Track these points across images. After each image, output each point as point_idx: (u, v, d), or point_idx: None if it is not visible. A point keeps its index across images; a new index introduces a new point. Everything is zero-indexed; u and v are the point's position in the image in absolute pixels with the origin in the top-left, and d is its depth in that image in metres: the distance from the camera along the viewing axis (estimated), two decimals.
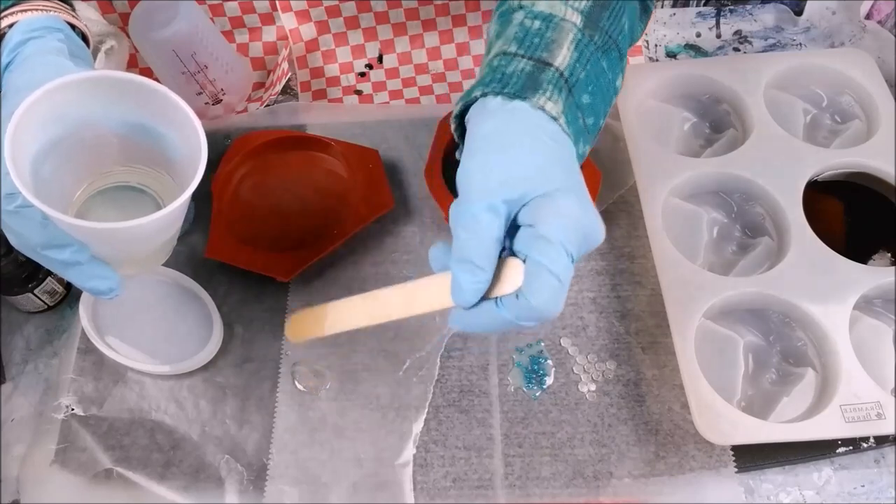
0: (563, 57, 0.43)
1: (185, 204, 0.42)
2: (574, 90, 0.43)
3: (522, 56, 0.43)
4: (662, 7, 0.76)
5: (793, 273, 0.56)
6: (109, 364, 0.59)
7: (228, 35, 0.75)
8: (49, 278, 0.61)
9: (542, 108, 0.41)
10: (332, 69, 0.75)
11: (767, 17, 0.77)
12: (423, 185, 0.65)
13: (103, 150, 0.46)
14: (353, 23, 0.74)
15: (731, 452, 0.53)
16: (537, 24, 0.44)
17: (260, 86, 0.76)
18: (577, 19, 0.44)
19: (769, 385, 0.54)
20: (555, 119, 0.41)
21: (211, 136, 0.71)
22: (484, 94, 0.42)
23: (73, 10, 0.50)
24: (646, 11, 0.50)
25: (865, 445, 0.52)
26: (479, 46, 0.75)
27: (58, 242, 0.42)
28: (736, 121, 0.66)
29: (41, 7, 0.47)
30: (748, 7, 0.77)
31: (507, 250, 0.40)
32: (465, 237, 0.38)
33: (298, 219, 0.66)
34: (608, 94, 0.45)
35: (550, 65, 0.42)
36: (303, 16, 0.73)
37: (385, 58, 0.76)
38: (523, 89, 0.42)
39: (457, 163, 0.42)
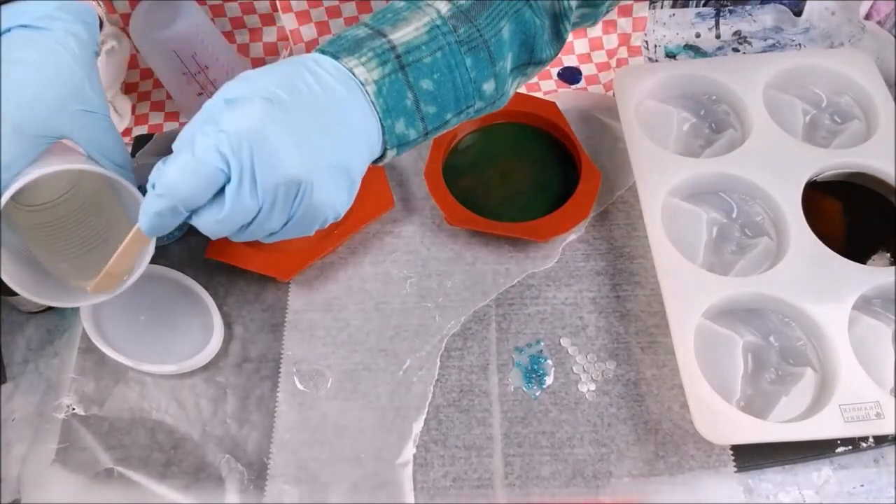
0: (404, 33, 0.43)
1: None
2: (409, 69, 0.43)
3: (367, 25, 0.44)
4: (662, 7, 0.76)
5: (792, 273, 0.56)
6: (110, 364, 0.59)
7: (229, 36, 0.75)
8: None
9: (351, 71, 0.41)
10: None
11: (767, 17, 0.77)
12: (423, 185, 0.65)
13: None
14: (353, 23, 0.74)
15: (731, 452, 0.54)
16: (402, 4, 0.44)
17: None
18: (444, 8, 0.44)
19: (768, 385, 0.54)
20: (362, 84, 0.42)
21: None
22: (319, 51, 0.43)
23: None
24: (558, 37, 0.49)
25: (865, 445, 0.53)
26: None
27: None
28: (735, 121, 0.66)
29: None
30: (747, 7, 0.77)
31: None
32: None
33: None
34: (464, 91, 0.45)
35: (384, 35, 0.43)
36: (303, 16, 0.73)
37: None
38: (342, 50, 0.42)
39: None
